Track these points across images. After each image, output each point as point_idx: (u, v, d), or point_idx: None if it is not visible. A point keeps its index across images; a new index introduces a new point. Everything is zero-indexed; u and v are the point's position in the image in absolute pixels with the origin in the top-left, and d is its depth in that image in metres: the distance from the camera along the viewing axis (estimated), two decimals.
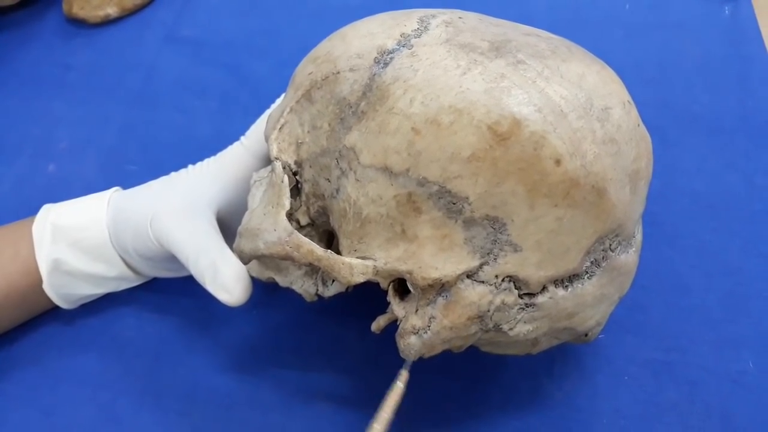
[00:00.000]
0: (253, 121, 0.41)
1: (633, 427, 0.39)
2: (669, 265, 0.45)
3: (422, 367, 0.41)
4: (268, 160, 0.40)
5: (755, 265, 0.45)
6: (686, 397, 0.40)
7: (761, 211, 0.47)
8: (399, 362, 0.40)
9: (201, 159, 0.42)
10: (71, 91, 0.59)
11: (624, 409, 0.40)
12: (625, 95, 0.32)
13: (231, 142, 0.42)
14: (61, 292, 0.42)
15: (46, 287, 0.41)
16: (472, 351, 0.39)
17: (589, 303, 0.31)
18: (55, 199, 0.43)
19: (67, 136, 0.56)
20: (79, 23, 0.63)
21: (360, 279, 0.30)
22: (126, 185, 0.44)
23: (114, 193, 0.43)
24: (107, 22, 0.63)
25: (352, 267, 0.30)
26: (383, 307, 0.34)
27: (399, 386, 0.33)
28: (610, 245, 0.31)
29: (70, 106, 0.58)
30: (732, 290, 0.44)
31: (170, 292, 0.46)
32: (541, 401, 0.41)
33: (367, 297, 0.38)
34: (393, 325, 0.33)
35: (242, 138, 0.41)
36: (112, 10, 0.62)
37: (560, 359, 0.42)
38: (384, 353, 0.33)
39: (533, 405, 0.41)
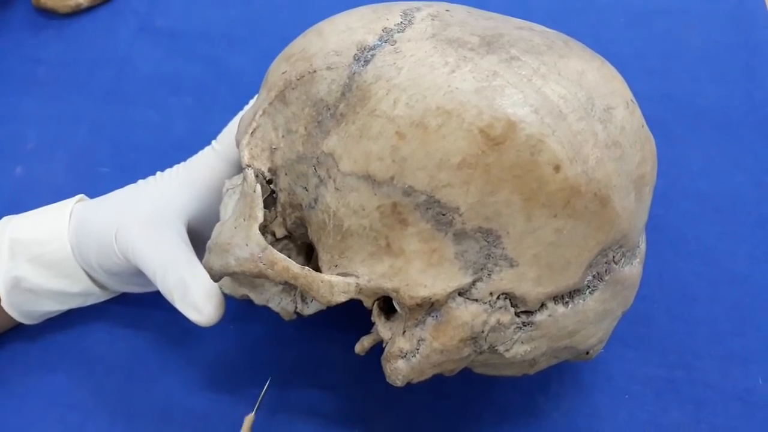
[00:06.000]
0: (231, 118, 0.40)
1: None
2: (673, 274, 0.44)
3: (410, 386, 0.40)
4: (241, 167, 0.39)
5: (764, 272, 0.44)
6: (691, 418, 0.39)
7: None
8: (384, 379, 0.39)
9: (176, 160, 0.41)
10: (40, 87, 0.57)
11: (625, 430, 0.39)
12: (628, 94, 0.31)
13: (208, 141, 0.40)
14: (22, 309, 0.41)
15: (6, 305, 0.40)
16: (464, 370, 0.38)
17: (591, 320, 0.31)
18: (23, 203, 0.42)
19: (36, 136, 0.55)
20: (48, 13, 0.61)
21: (341, 299, 0.29)
22: (97, 188, 0.43)
23: (77, 204, 0.41)
24: (78, 12, 0.61)
25: (333, 285, 0.29)
26: (368, 320, 0.33)
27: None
28: (614, 257, 0.30)
29: (39, 104, 0.56)
30: (740, 300, 0.43)
31: (143, 305, 0.45)
32: (536, 422, 0.40)
33: (351, 310, 0.36)
34: (379, 343, 0.32)
35: (213, 142, 0.40)
36: None
37: (557, 377, 0.41)
38: (368, 370, 0.33)
39: (528, 426, 0.40)
